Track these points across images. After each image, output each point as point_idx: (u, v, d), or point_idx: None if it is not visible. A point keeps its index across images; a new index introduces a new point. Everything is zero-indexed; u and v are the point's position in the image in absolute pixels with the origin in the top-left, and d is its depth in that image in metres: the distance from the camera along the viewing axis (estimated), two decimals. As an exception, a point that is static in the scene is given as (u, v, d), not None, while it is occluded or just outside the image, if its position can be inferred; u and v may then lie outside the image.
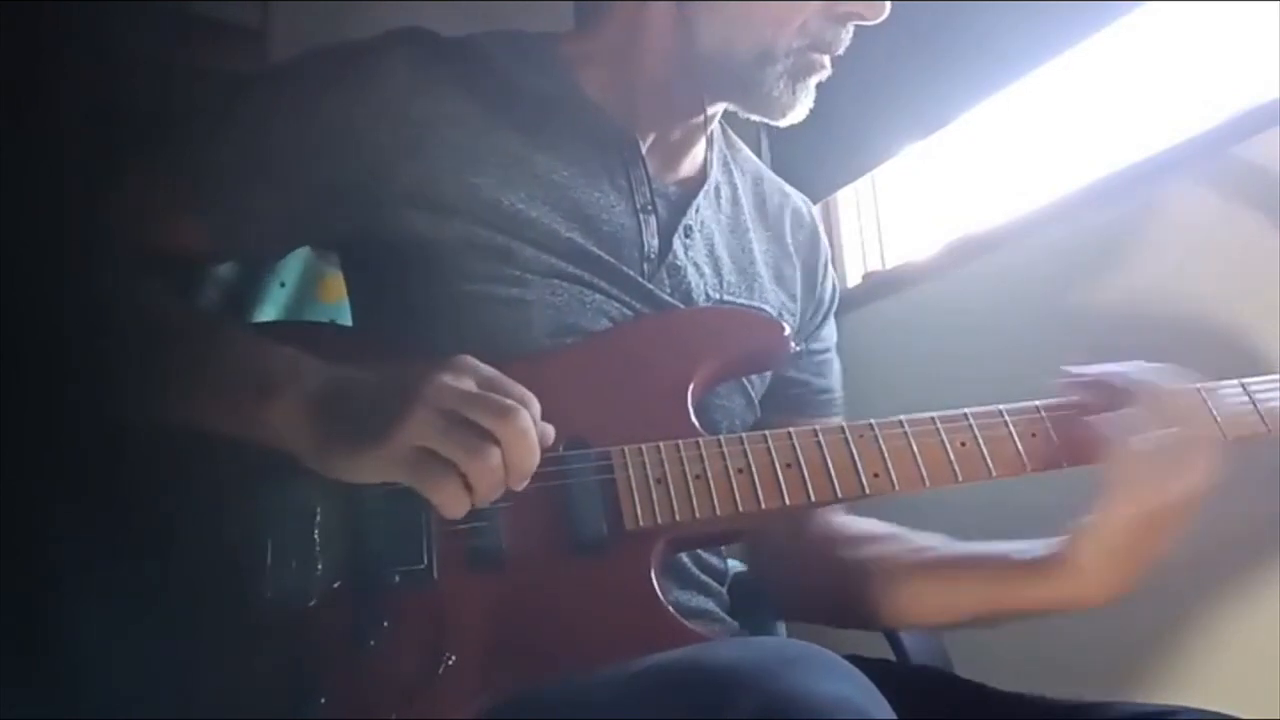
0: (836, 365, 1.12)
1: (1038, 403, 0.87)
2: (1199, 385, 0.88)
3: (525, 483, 0.72)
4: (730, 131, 1.11)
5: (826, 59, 0.95)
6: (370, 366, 0.76)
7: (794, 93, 0.94)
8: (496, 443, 0.70)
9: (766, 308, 1.03)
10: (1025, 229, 1.52)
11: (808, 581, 1.03)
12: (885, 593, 0.94)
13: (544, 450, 0.73)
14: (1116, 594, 0.83)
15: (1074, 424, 0.85)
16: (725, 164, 1.08)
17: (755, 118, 0.99)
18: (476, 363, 0.74)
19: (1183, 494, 0.80)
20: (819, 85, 0.96)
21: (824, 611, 1.04)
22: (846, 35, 0.94)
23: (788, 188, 1.15)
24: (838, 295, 1.15)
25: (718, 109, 1.01)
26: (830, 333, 1.13)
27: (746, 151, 1.12)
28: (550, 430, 0.74)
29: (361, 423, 0.71)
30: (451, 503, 0.70)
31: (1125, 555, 0.81)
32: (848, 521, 1.02)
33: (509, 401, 0.71)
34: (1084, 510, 0.86)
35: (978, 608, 0.91)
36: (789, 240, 1.10)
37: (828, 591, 1.00)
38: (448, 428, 0.70)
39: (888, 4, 0.92)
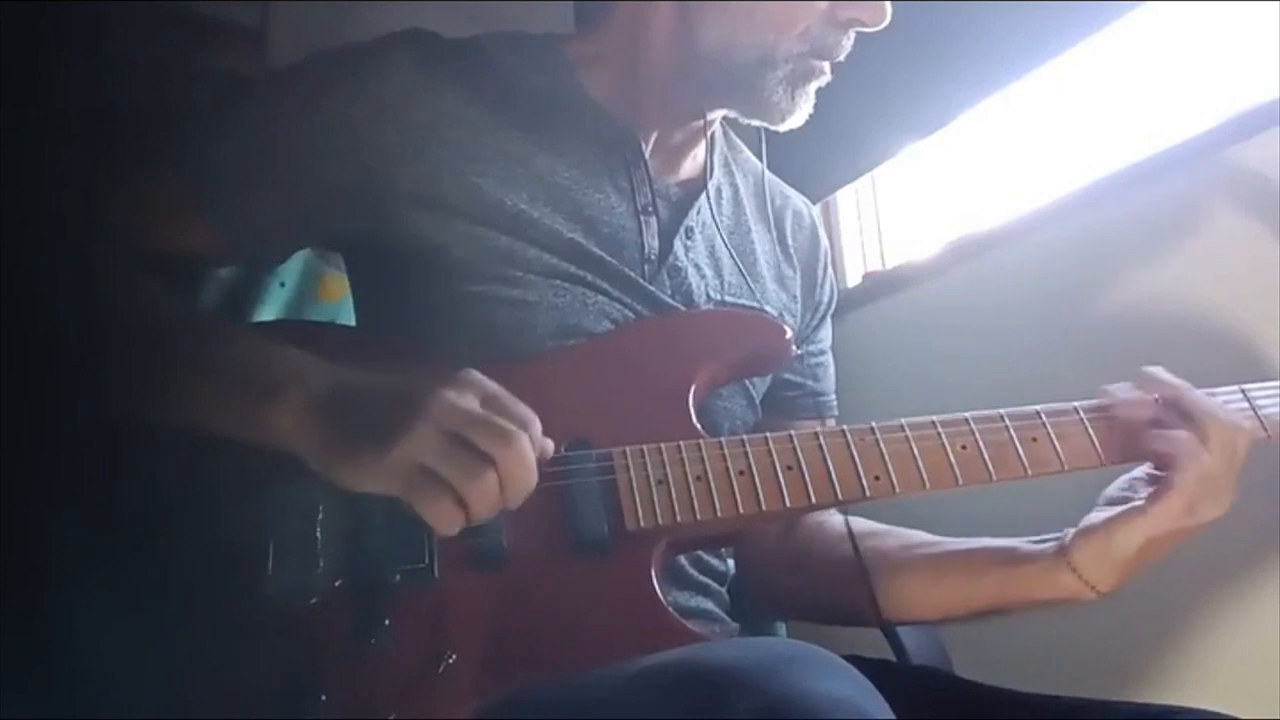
0: (831, 368, 1.13)
1: (1038, 408, 0.87)
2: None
3: (521, 501, 0.72)
4: (732, 133, 1.11)
5: (826, 65, 0.95)
6: (375, 367, 0.76)
7: (793, 98, 0.94)
8: (494, 465, 0.70)
9: (768, 309, 1.03)
10: (1025, 229, 1.52)
11: (799, 580, 1.03)
12: (885, 586, 0.95)
13: (544, 462, 0.74)
14: (1110, 593, 0.86)
15: (1112, 427, 0.87)
16: (727, 165, 1.08)
17: (755, 123, 0.99)
18: (481, 379, 0.74)
19: (1208, 522, 0.83)
20: (819, 87, 0.96)
21: (815, 609, 1.05)
22: (847, 42, 0.94)
23: (788, 189, 1.15)
24: (835, 297, 1.15)
25: (718, 114, 1.01)
26: (826, 335, 1.14)
27: (747, 153, 1.12)
28: (550, 445, 0.75)
29: (363, 433, 0.71)
30: (444, 520, 0.70)
31: (1130, 560, 0.84)
32: (838, 519, 1.02)
33: (509, 427, 0.71)
34: (1078, 515, 0.86)
35: (975, 601, 0.92)
36: (790, 241, 1.10)
37: (820, 588, 1.01)
38: (447, 447, 0.70)
39: (889, 10, 0.92)
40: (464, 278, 0.89)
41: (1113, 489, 0.88)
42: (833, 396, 1.11)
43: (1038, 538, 0.91)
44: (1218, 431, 0.84)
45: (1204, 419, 0.84)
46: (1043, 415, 0.87)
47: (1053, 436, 0.86)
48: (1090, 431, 0.87)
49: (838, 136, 1.54)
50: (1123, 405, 0.87)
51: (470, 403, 0.72)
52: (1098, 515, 0.87)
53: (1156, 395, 0.87)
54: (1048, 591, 0.88)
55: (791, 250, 1.10)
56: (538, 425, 0.73)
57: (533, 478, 0.72)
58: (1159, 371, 0.89)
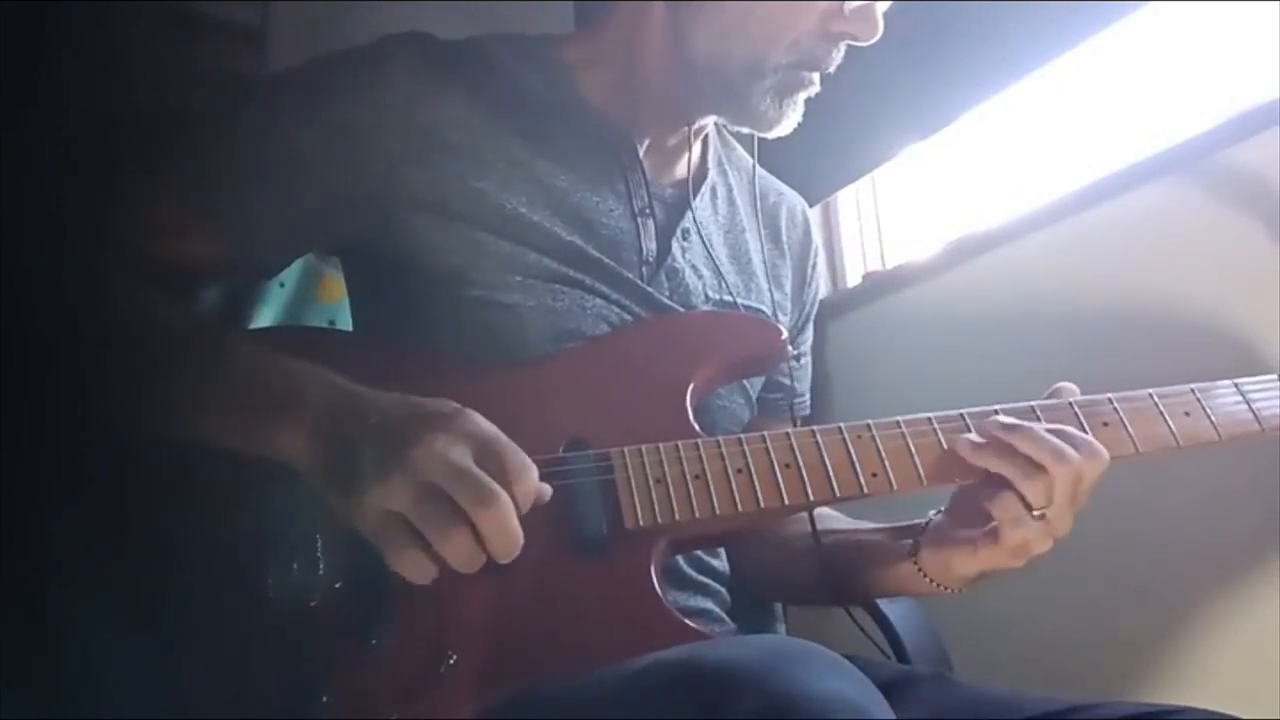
0: (810, 368, 1.14)
1: (1033, 403, 0.88)
2: (1193, 387, 0.89)
3: (511, 558, 0.71)
4: (725, 131, 1.11)
5: (816, 76, 0.95)
6: (377, 376, 0.76)
7: (780, 108, 0.94)
8: (469, 525, 0.68)
9: (763, 308, 1.04)
10: (1025, 229, 1.52)
11: (748, 559, 1.04)
12: (793, 569, 0.99)
13: (541, 506, 0.73)
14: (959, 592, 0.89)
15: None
16: (720, 164, 1.09)
17: (744, 130, 0.99)
18: (477, 425, 0.72)
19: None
20: (822, 83, 0.96)
21: (757, 585, 1.08)
22: (838, 54, 0.94)
23: (782, 186, 1.15)
24: (819, 296, 1.16)
25: (708, 120, 1.02)
26: (810, 335, 1.14)
27: (741, 150, 1.13)
28: (548, 490, 0.74)
29: (351, 471, 0.71)
30: (411, 570, 0.70)
31: (972, 579, 0.87)
32: None
33: (490, 487, 0.69)
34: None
35: (856, 589, 0.96)
36: (784, 238, 1.11)
37: (755, 566, 1.04)
38: (422, 500, 0.68)
39: (882, 24, 0.92)
40: (464, 282, 0.89)
41: (963, 489, 0.88)
42: (808, 398, 1.12)
43: (903, 526, 0.93)
44: (1062, 476, 0.80)
45: (1047, 463, 0.80)
46: (1037, 411, 0.87)
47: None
48: (1086, 430, 0.87)
49: (838, 137, 1.55)
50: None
51: (458, 454, 0.70)
52: (942, 528, 0.88)
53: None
54: (912, 588, 0.91)
55: (785, 247, 1.10)
56: (531, 475, 0.71)
57: (514, 538, 0.70)
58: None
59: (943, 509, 0.90)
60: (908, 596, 0.95)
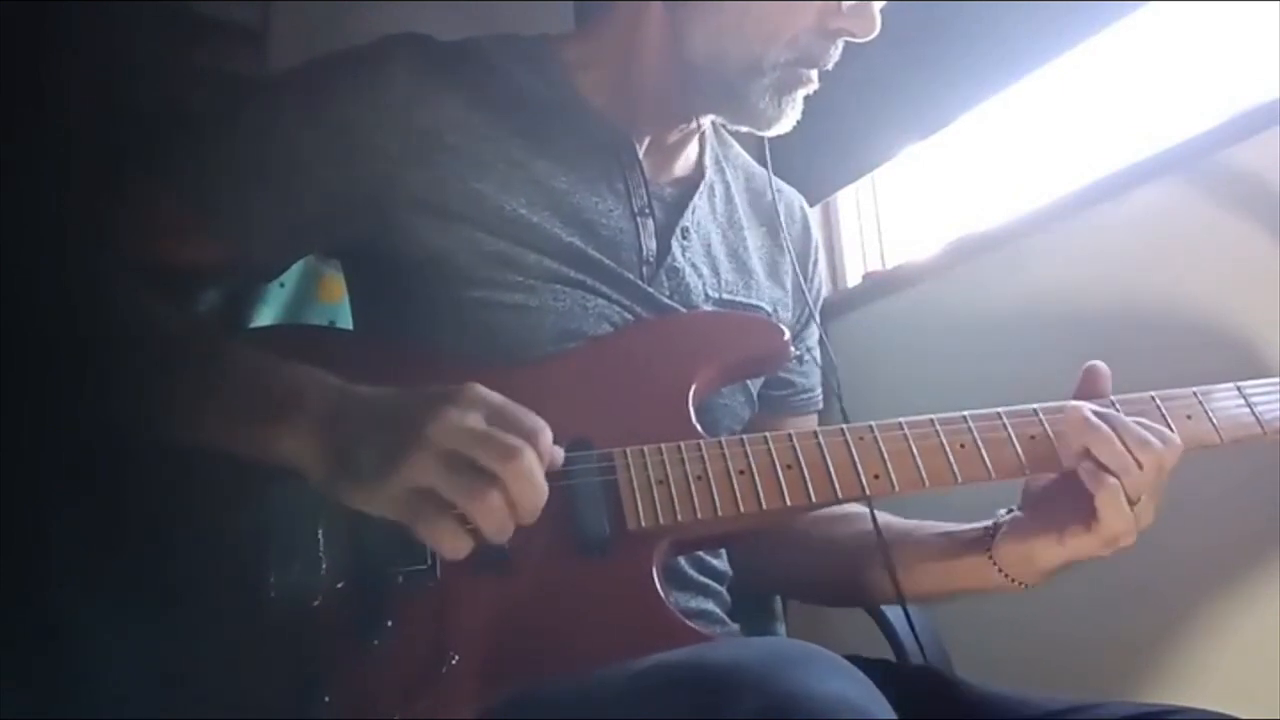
0: (819, 363, 1.13)
1: (1036, 405, 0.88)
2: (1195, 390, 0.89)
3: (535, 517, 0.71)
4: (723, 130, 1.11)
5: (814, 73, 0.95)
6: (378, 375, 0.76)
7: (779, 105, 0.94)
8: (499, 483, 0.69)
9: (763, 305, 1.04)
10: (1025, 229, 1.52)
11: (779, 558, 1.04)
12: (853, 569, 0.98)
13: (554, 471, 0.73)
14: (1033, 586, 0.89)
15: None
16: (718, 162, 1.09)
17: (742, 128, 0.99)
18: (485, 393, 0.73)
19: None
20: (821, 83, 0.96)
21: (797, 587, 1.10)
22: (835, 51, 0.94)
23: (780, 183, 1.15)
24: (822, 292, 1.16)
25: (706, 119, 1.02)
26: (814, 331, 1.14)
27: (737, 148, 1.13)
28: (560, 454, 0.75)
29: (364, 458, 0.71)
30: (450, 545, 0.70)
31: (1052, 571, 0.87)
32: None
33: (513, 441, 0.70)
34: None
35: (920, 586, 0.95)
36: (784, 233, 1.10)
37: (799, 568, 1.04)
38: (449, 469, 0.69)
39: (879, 21, 0.93)
40: (465, 283, 0.89)
41: (1038, 484, 0.89)
42: (818, 392, 1.12)
43: (975, 525, 0.93)
44: (1150, 463, 0.82)
45: (1137, 450, 0.82)
46: (1040, 413, 0.87)
47: (1050, 434, 0.86)
48: None
49: (838, 137, 1.55)
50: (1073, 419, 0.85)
51: (473, 420, 0.71)
52: (1023, 522, 0.88)
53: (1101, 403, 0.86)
54: (980, 583, 0.91)
55: (785, 242, 1.10)
56: (547, 435, 0.72)
57: (541, 491, 0.71)
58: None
59: (1017, 506, 0.90)
60: (968, 594, 0.94)
